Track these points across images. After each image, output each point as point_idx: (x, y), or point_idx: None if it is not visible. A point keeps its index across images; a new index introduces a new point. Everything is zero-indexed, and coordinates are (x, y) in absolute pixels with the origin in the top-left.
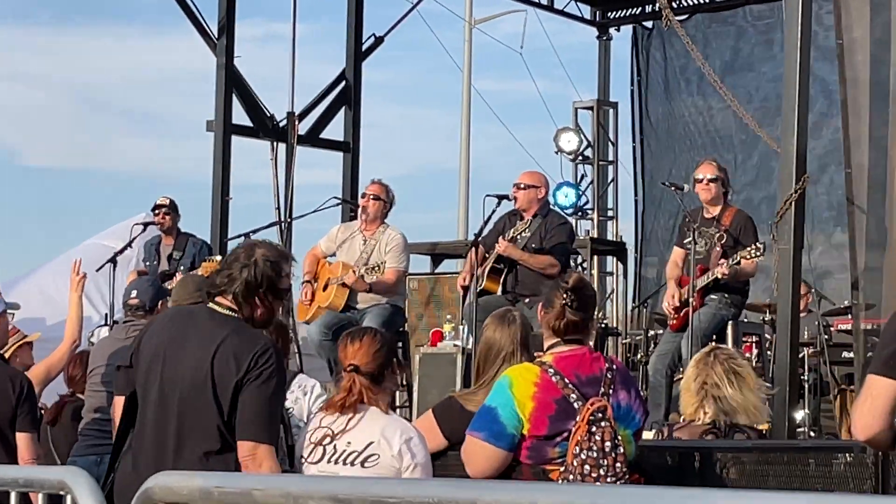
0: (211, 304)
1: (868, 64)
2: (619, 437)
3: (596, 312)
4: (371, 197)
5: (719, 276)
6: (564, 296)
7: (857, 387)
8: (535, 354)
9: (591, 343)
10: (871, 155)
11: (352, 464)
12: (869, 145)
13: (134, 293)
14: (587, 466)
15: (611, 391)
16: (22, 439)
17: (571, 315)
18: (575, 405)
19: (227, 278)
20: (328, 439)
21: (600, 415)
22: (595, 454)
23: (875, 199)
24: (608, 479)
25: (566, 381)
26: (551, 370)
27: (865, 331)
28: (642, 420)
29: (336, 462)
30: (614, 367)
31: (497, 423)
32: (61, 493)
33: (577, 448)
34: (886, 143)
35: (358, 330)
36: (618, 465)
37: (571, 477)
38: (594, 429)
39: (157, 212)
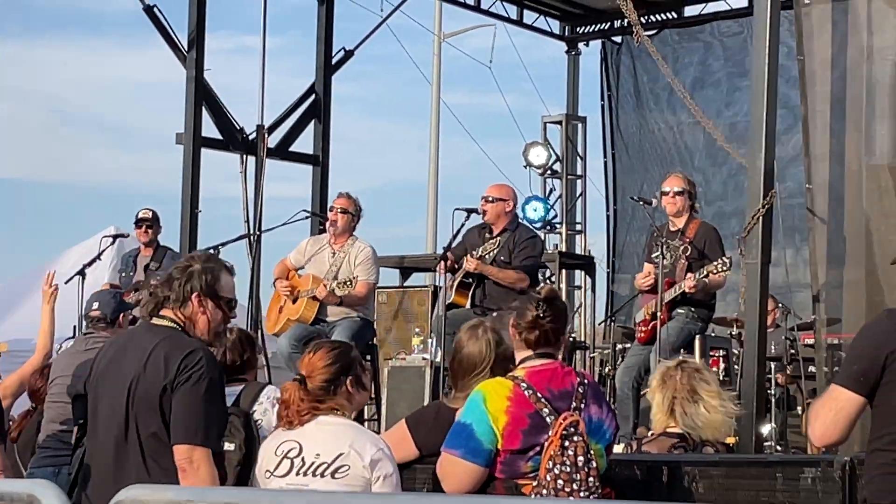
0: (153, 319)
1: (829, 80)
2: (592, 452)
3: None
4: (339, 210)
5: (686, 291)
6: (537, 307)
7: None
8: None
9: (561, 357)
10: (833, 170)
11: (322, 475)
12: (830, 160)
13: (95, 305)
14: (560, 481)
15: (582, 405)
16: None
17: (544, 326)
18: (547, 419)
19: (166, 285)
20: (295, 451)
21: (573, 429)
22: (568, 468)
23: (837, 214)
24: (581, 494)
25: (539, 395)
26: (524, 384)
27: (829, 345)
28: (613, 434)
29: (305, 474)
30: (585, 381)
31: (473, 439)
32: None
33: (550, 462)
34: (844, 159)
35: (319, 342)
36: (590, 479)
37: (545, 492)
38: (567, 443)
39: (140, 226)
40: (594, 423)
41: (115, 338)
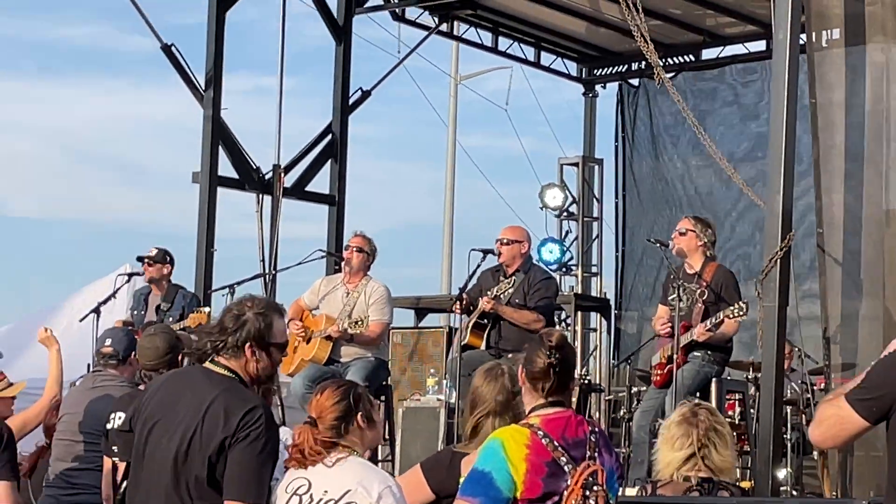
0: (207, 364)
1: (843, 123)
2: (610, 502)
3: (577, 371)
4: (354, 249)
5: (698, 339)
6: (549, 354)
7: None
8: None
9: (575, 403)
10: (848, 212)
11: None
12: (845, 203)
13: (108, 341)
14: None
15: (596, 454)
16: (1, 487)
17: (556, 374)
18: (565, 468)
19: (219, 333)
20: (304, 488)
21: (591, 479)
22: None
23: (851, 257)
24: None
25: (555, 443)
26: (541, 432)
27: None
28: (619, 487)
29: None
30: (596, 430)
31: (493, 487)
32: None
33: None
34: (862, 201)
35: (328, 383)
36: None
37: None
38: (588, 493)
39: (142, 262)
40: (607, 472)
41: (164, 378)
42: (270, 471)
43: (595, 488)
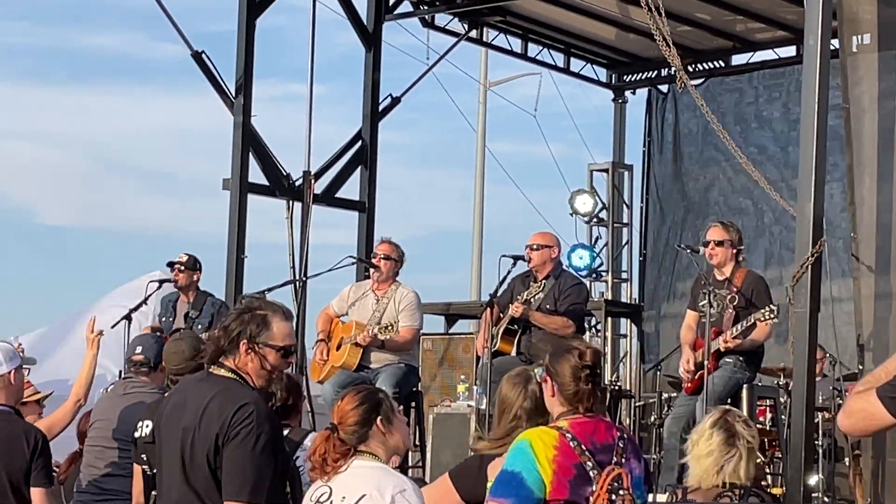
0: (212, 368)
1: (876, 129)
2: None
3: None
4: (382, 256)
5: (721, 349)
6: (589, 373)
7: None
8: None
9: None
10: (881, 217)
11: None
12: (878, 208)
13: (139, 349)
14: None
15: (623, 460)
16: (37, 494)
17: (596, 393)
18: (591, 473)
19: (221, 332)
20: (326, 495)
21: (617, 484)
22: None
23: (882, 261)
24: None
25: (583, 447)
26: (569, 435)
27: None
28: (648, 492)
29: None
30: (625, 436)
31: (524, 487)
32: None
33: None
34: (894, 208)
35: (346, 390)
36: None
37: None
38: (614, 497)
39: (172, 268)
40: (634, 478)
41: (177, 387)
42: (271, 467)
43: (621, 493)
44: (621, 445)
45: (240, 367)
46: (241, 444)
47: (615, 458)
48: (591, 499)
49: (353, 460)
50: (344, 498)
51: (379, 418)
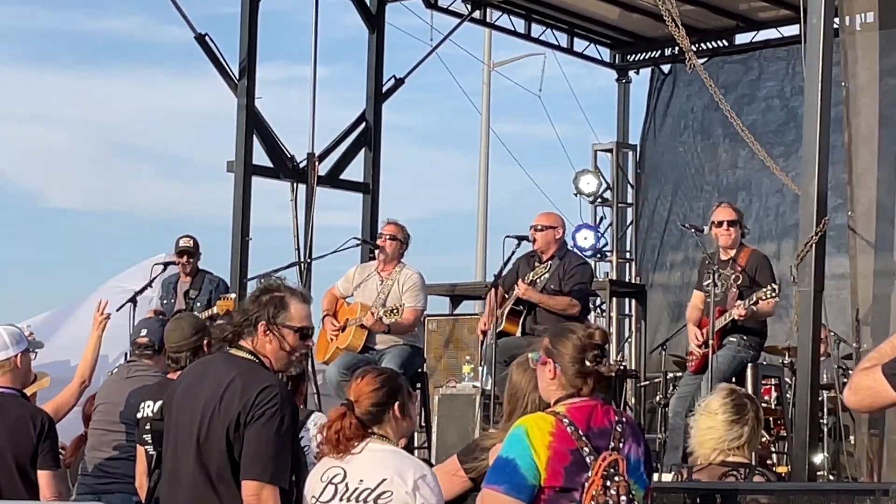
0: (230, 349)
1: (876, 107)
2: (633, 492)
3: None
4: (387, 237)
5: (736, 318)
6: (596, 354)
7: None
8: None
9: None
10: (880, 193)
11: (364, 501)
12: (876, 188)
13: (143, 332)
14: None
15: (621, 444)
16: (44, 477)
17: (598, 371)
18: (587, 459)
19: (239, 314)
20: (340, 477)
21: (613, 470)
22: None
23: (880, 241)
24: None
25: (580, 432)
26: (566, 420)
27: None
28: (648, 476)
29: (348, 500)
30: (624, 420)
31: (517, 474)
32: None
33: (593, 502)
34: (894, 185)
35: (369, 368)
36: None
37: None
38: (609, 483)
39: (181, 255)
40: (632, 463)
41: (190, 367)
42: (289, 450)
43: (616, 479)
44: (619, 429)
45: (258, 348)
46: (265, 426)
47: (613, 443)
48: (587, 485)
49: (367, 442)
50: (361, 481)
51: (396, 404)
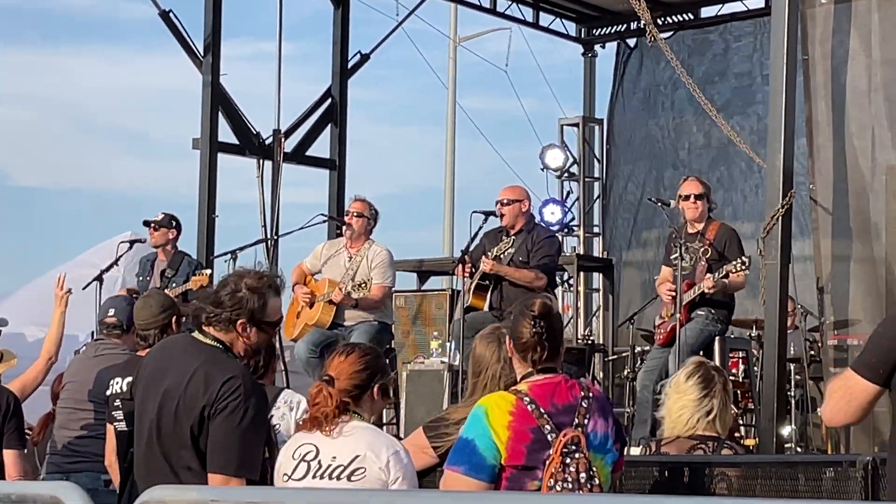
0: (196, 334)
1: (832, 80)
2: (595, 468)
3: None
4: (354, 214)
5: (706, 291)
6: (534, 324)
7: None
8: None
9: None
10: (838, 169)
11: (338, 478)
12: (835, 160)
13: (111, 311)
14: None
15: (586, 420)
16: (9, 456)
17: (543, 343)
18: (549, 437)
19: (213, 306)
20: (312, 454)
21: (574, 446)
22: (570, 485)
23: (842, 213)
24: None
25: (541, 410)
26: (527, 399)
27: (836, 347)
28: (619, 450)
29: (322, 477)
30: (591, 394)
31: (476, 454)
32: None
33: (552, 480)
34: (854, 157)
35: (351, 345)
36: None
37: None
38: (568, 460)
39: (148, 226)
40: (599, 437)
41: (157, 347)
42: (257, 440)
43: (577, 455)
44: (585, 405)
45: (228, 339)
46: (228, 418)
47: (577, 419)
48: (547, 463)
49: (342, 419)
50: (335, 458)
51: (377, 386)
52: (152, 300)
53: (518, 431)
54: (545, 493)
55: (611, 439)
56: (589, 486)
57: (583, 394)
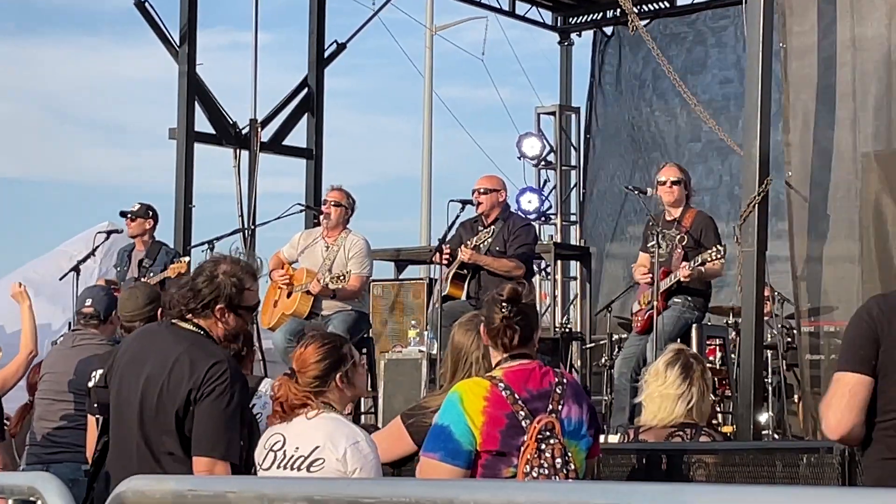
0: (175, 321)
1: (812, 67)
2: (570, 454)
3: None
4: (332, 203)
5: (682, 279)
6: (503, 310)
7: (809, 387)
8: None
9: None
10: (816, 156)
11: (298, 468)
12: (814, 146)
13: (88, 301)
14: None
15: (560, 406)
16: None
17: (514, 328)
18: (523, 423)
19: (190, 293)
20: (279, 444)
21: (548, 432)
22: (546, 471)
23: (820, 200)
24: None
25: (516, 396)
26: (501, 384)
27: (811, 333)
28: (594, 437)
29: (284, 467)
30: (565, 381)
31: (452, 440)
32: (32, 498)
33: (528, 466)
34: (831, 145)
35: (312, 336)
36: (569, 481)
37: None
38: (543, 446)
39: (125, 217)
40: (573, 423)
41: (134, 335)
42: (239, 425)
43: (552, 441)
44: (559, 391)
45: (208, 325)
46: (215, 402)
47: (551, 405)
48: (522, 449)
49: (308, 410)
50: (297, 448)
51: (339, 375)
52: (138, 292)
53: (493, 417)
54: (520, 481)
55: (585, 426)
56: (565, 471)
57: (557, 380)
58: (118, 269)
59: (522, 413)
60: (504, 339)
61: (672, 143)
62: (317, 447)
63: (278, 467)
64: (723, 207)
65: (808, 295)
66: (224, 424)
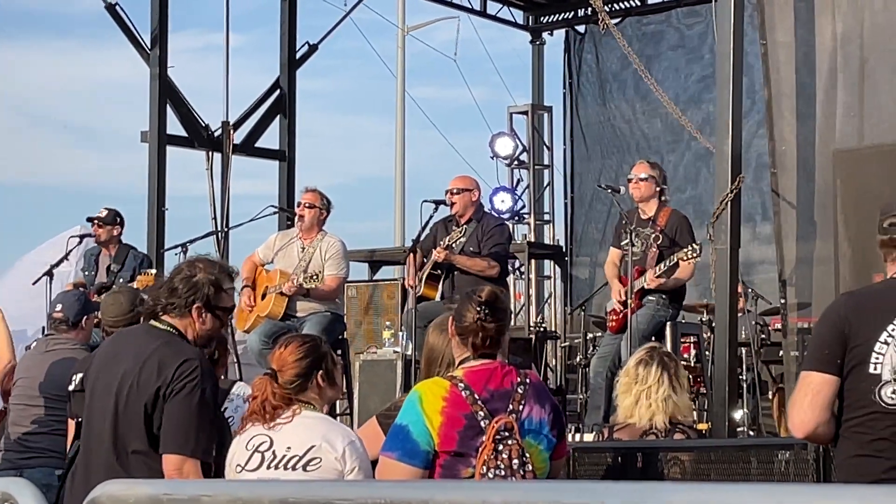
0: (151, 321)
1: (793, 65)
2: (528, 454)
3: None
4: (306, 205)
5: (646, 286)
6: (479, 310)
7: (789, 386)
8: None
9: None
10: (800, 153)
11: (293, 468)
12: (797, 144)
13: (59, 307)
14: None
15: (521, 406)
16: None
17: (488, 330)
18: (482, 423)
19: (168, 293)
20: (266, 445)
21: (506, 433)
22: (503, 472)
23: (804, 198)
24: None
25: (476, 396)
26: (461, 384)
27: (799, 329)
28: (557, 437)
29: (276, 467)
30: (528, 381)
31: (409, 440)
32: (5, 503)
33: (485, 467)
34: (814, 142)
35: (291, 336)
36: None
37: None
38: (500, 447)
39: (92, 223)
40: (534, 423)
41: (113, 336)
42: (209, 423)
43: (509, 442)
44: (520, 391)
45: (183, 325)
46: (185, 399)
47: (511, 406)
48: (480, 449)
49: (294, 410)
50: (289, 448)
51: (319, 373)
52: (122, 297)
53: (451, 417)
54: (477, 480)
55: (547, 426)
56: (522, 472)
57: (519, 380)
58: (86, 273)
59: (482, 413)
60: (475, 340)
61: (645, 142)
62: (312, 446)
63: (268, 468)
64: (701, 207)
65: (797, 296)
66: (194, 421)
